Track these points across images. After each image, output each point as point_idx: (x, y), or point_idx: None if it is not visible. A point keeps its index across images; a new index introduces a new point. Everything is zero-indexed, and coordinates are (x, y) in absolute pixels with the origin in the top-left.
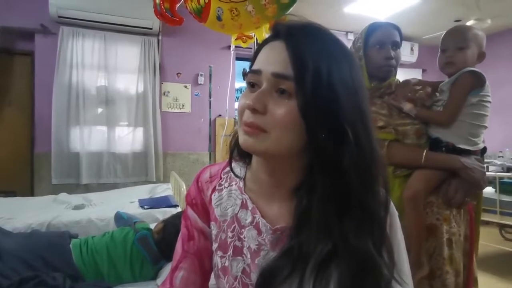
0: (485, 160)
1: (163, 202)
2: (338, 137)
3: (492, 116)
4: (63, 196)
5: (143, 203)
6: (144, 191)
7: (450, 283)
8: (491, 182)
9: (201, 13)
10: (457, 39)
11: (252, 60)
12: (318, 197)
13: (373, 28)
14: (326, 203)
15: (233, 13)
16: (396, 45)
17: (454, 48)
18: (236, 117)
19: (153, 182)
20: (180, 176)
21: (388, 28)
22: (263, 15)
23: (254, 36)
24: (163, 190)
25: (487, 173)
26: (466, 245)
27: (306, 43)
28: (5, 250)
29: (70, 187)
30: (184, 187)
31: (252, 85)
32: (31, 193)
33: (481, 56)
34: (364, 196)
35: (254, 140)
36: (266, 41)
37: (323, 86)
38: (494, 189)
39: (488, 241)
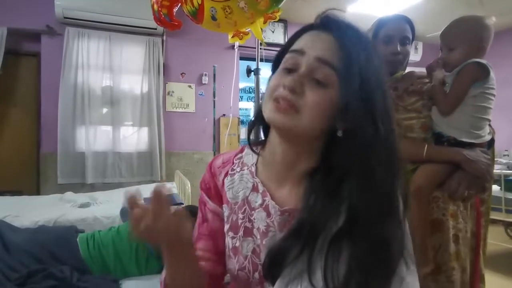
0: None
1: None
2: (374, 129)
3: (497, 114)
4: (69, 195)
5: (148, 202)
6: (148, 190)
7: (456, 279)
8: (496, 180)
9: (196, 15)
10: (446, 40)
11: (287, 45)
12: (332, 181)
13: (383, 22)
14: (343, 187)
15: (226, 11)
16: (405, 41)
17: (445, 49)
18: (240, 117)
19: (158, 182)
20: (184, 175)
21: (397, 22)
22: (256, 10)
23: (250, 31)
24: (168, 188)
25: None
26: (472, 241)
27: (354, 41)
28: (13, 244)
29: (75, 187)
30: (189, 185)
31: (288, 71)
32: (37, 193)
33: (480, 49)
34: (389, 182)
35: (284, 116)
36: (307, 28)
37: (366, 82)
38: (499, 187)
39: (494, 240)
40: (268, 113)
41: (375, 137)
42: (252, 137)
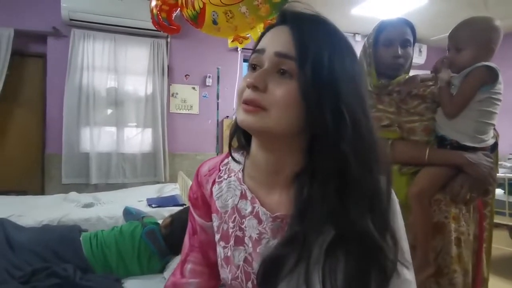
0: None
1: (170, 201)
2: (337, 119)
3: (501, 118)
4: (73, 195)
5: (151, 202)
6: (152, 191)
7: (458, 282)
8: (500, 184)
9: (197, 19)
10: (455, 41)
11: (256, 44)
12: (319, 183)
13: (384, 26)
14: (327, 189)
15: (228, 15)
16: (406, 43)
17: (453, 50)
18: None
19: (161, 183)
20: (187, 176)
21: (398, 26)
22: (257, 15)
23: (250, 36)
24: (171, 189)
25: (496, 174)
26: (475, 244)
27: (311, 30)
28: (18, 243)
29: (79, 187)
30: None
31: (253, 68)
32: (42, 193)
33: (489, 51)
34: (363, 179)
35: (253, 118)
36: (271, 26)
37: (324, 69)
38: (503, 191)
39: (498, 244)
40: (239, 117)
41: (342, 128)
42: (235, 143)
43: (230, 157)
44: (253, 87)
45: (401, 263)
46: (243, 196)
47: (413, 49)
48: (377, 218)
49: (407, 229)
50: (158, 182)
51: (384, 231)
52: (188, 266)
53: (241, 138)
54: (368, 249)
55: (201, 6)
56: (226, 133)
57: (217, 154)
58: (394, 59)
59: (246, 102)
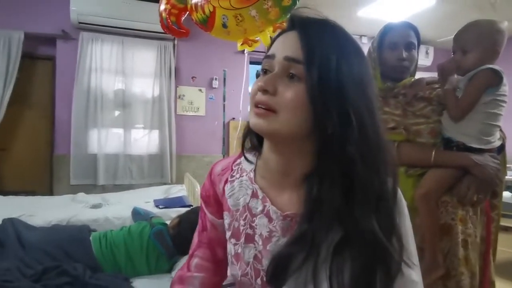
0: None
1: (177, 202)
2: (343, 121)
3: (508, 119)
4: (81, 195)
5: (158, 203)
6: (159, 192)
7: (465, 285)
8: (508, 186)
9: (206, 23)
10: (461, 43)
11: (267, 49)
12: (328, 185)
13: (388, 29)
14: (335, 190)
15: (238, 19)
16: (410, 46)
17: (459, 52)
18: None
19: (168, 184)
20: (194, 178)
21: (402, 29)
22: (267, 19)
23: (259, 39)
24: (178, 190)
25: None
26: (482, 246)
27: (319, 34)
28: (29, 242)
29: (87, 188)
30: (198, 187)
31: (265, 72)
32: (50, 193)
33: (494, 54)
34: (369, 181)
35: (264, 121)
36: (281, 32)
37: (331, 72)
38: (511, 194)
39: (505, 247)
40: (251, 121)
41: (348, 131)
42: (248, 145)
43: (242, 157)
44: (263, 90)
45: (406, 263)
46: (254, 195)
47: (417, 52)
48: (383, 219)
49: (414, 231)
50: (164, 183)
51: (389, 233)
52: (195, 261)
53: (254, 139)
54: (373, 249)
55: (211, 10)
56: (232, 134)
57: (223, 156)
58: (399, 61)
59: (257, 103)
